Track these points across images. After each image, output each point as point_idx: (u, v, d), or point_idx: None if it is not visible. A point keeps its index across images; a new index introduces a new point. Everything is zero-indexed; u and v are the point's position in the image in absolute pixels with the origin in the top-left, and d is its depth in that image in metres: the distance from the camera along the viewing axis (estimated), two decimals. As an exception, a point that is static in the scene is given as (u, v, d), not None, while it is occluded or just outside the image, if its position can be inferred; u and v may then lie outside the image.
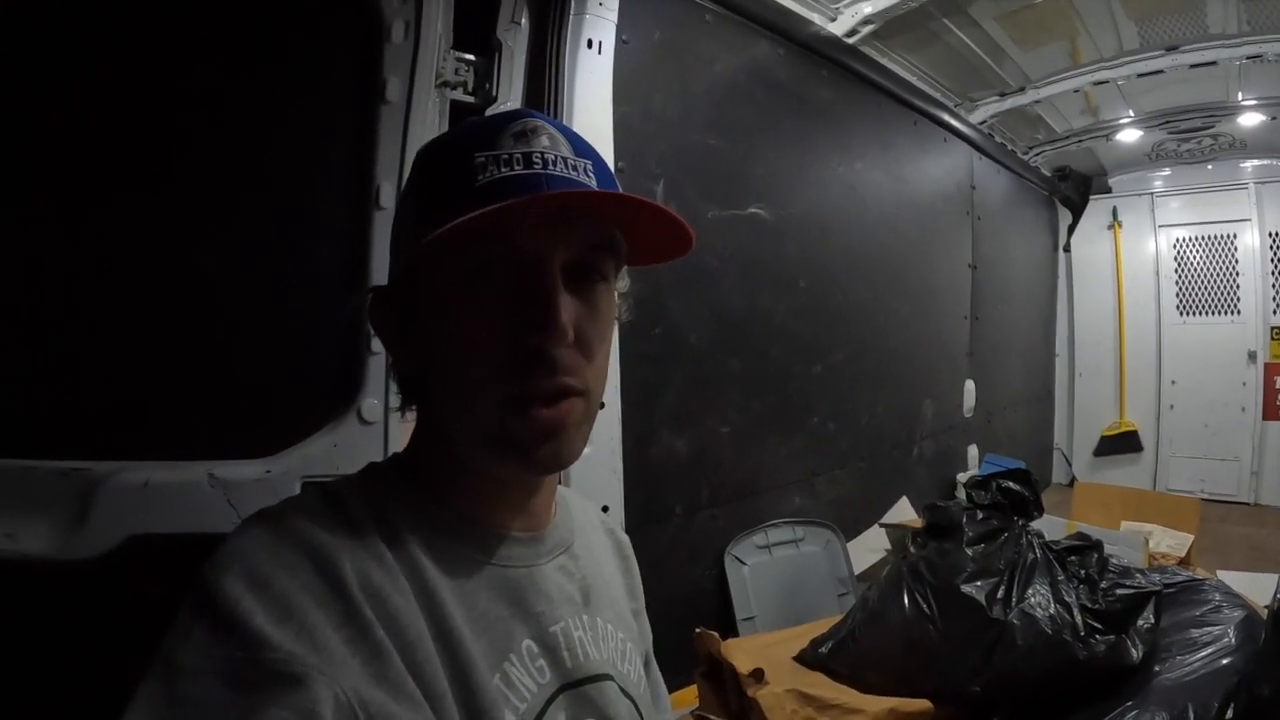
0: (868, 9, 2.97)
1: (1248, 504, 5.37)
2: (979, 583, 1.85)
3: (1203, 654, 1.76)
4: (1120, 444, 5.91)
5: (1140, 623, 1.80)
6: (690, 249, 0.68)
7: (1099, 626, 1.76)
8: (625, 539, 0.92)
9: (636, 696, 0.75)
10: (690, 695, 2.04)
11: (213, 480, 1.42)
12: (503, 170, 0.61)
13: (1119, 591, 1.84)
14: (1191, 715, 1.60)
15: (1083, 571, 1.90)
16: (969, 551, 1.92)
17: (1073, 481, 5.90)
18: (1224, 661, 1.73)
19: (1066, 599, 1.80)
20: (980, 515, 2.02)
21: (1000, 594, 1.82)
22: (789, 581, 2.69)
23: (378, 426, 1.59)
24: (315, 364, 1.60)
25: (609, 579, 0.82)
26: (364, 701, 0.51)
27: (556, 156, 0.63)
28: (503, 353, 0.62)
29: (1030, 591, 1.82)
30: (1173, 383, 5.80)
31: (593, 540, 0.83)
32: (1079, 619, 1.76)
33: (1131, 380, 5.95)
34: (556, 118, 1.88)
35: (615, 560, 0.88)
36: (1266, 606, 1.78)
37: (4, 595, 1.28)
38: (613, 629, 0.76)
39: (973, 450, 4.49)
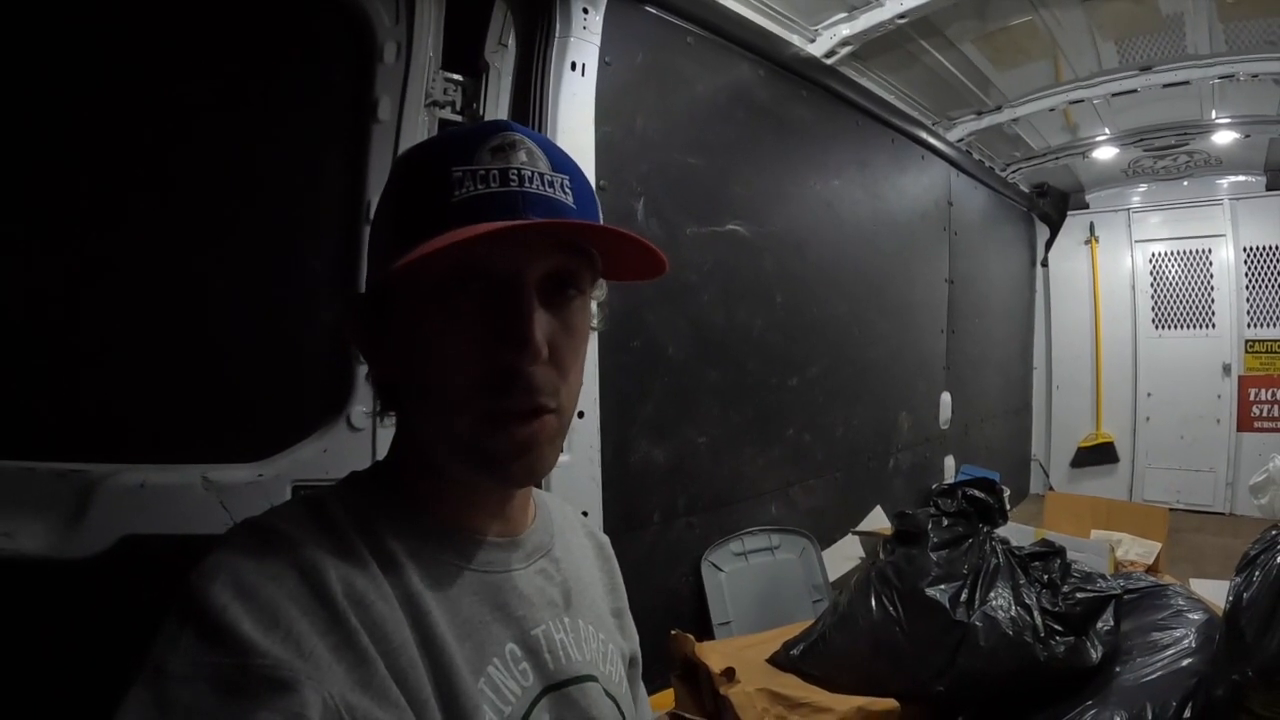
0: (845, 31, 3.03)
1: (1223, 514, 5.42)
2: (943, 586, 1.91)
3: (1163, 656, 1.80)
4: (1097, 455, 5.96)
5: (1100, 625, 1.85)
6: (664, 273, 0.69)
7: (1059, 628, 1.82)
8: (605, 540, 0.92)
9: (619, 697, 0.76)
10: (667, 699, 2.04)
11: (206, 483, 1.48)
12: (479, 187, 0.61)
13: (1079, 595, 1.89)
14: (1150, 714, 1.65)
15: (1045, 576, 1.96)
16: (934, 556, 1.98)
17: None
18: (1184, 663, 1.77)
19: (1027, 601, 1.86)
20: (946, 522, 2.08)
21: (964, 597, 1.88)
22: (765, 588, 2.72)
23: (366, 433, 1.64)
24: (307, 372, 1.66)
25: (589, 581, 0.83)
26: (350, 706, 0.52)
27: (533, 173, 0.63)
28: (477, 369, 0.62)
29: (993, 594, 1.88)
30: (1149, 395, 5.85)
31: (573, 543, 0.83)
32: (1039, 621, 1.82)
33: (1108, 393, 6.00)
34: (540, 136, 1.94)
35: (596, 561, 0.88)
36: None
37: (1, 593, 1.32)
38: (594, 630, 0.77)
39: (949, 461, 4.53)
